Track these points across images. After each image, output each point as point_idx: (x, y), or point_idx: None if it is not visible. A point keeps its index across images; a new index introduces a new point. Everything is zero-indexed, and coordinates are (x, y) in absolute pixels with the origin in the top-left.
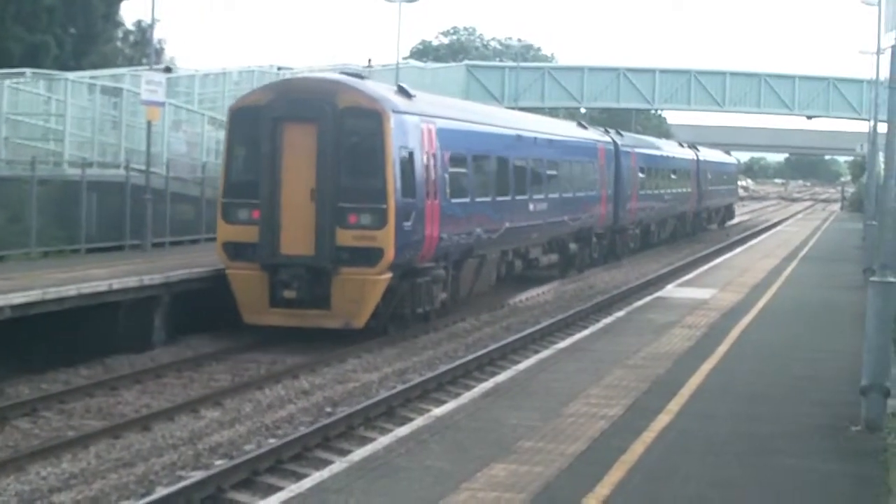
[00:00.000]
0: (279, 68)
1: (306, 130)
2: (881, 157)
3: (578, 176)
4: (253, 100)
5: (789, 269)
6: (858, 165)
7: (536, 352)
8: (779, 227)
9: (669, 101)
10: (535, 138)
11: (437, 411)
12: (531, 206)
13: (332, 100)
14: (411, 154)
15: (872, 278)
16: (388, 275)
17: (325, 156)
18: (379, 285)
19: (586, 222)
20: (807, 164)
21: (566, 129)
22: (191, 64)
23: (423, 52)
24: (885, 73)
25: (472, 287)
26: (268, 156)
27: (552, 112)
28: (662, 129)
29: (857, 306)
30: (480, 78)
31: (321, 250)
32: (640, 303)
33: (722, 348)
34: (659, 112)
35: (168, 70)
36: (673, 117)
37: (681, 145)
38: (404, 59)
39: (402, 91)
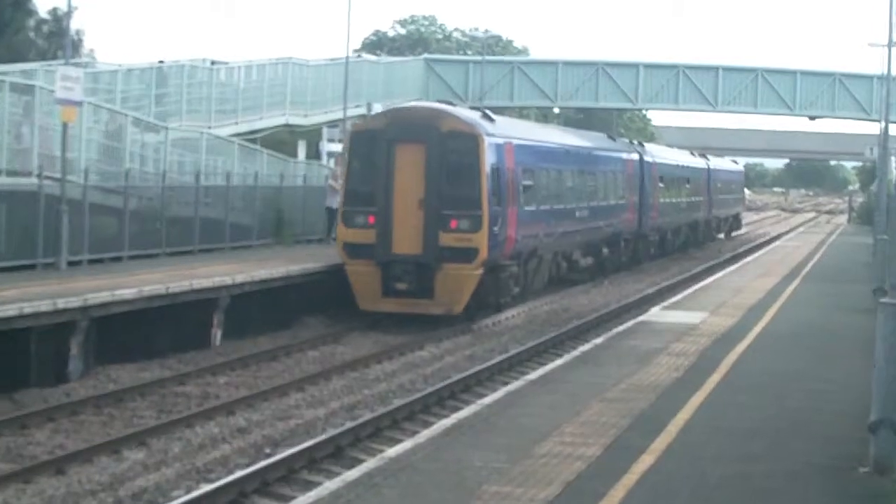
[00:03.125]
0: (213, 62)
1: (415, 150)
2: (893, 162)
3: (612, 186)
4: (370, 124)
5: (789, 290)
6: (868, 172)
7: (504, 384)
8: (778, 242)
9: (655, 100)
10: (579, 152)
11: (391, 452)
12: (577, 213)
13: (437, 125)
14: (498, 169)
15: (883, 300)
16: (481, 270)
17: (432, 171)
18: (474, 278)
19: (617, 228)
20: (810, 171)
21: (601, 143)
22: (113, 58)
23: (377, 44)
24: None
25: (532, 284)
26: (383, 171)
27: (522, 112)
28: (647, 132)
29: (866, 331)
30: (441, 73)
31: (427, 249)
32: (621, 328)
33: (713, 379)
34: (643, 112)
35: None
36: (659, 118)
37: (692, 154)
38: (356, 51)
39: (486, 116)
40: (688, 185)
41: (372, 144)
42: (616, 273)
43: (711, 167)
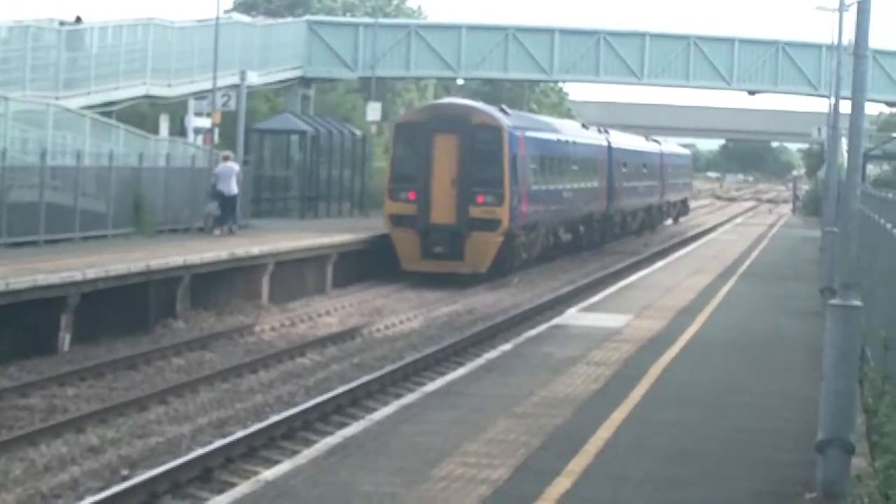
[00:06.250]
0: (61, 23)
1: (451, 139)
2: (844, 143)
3: (590, 171)
4: (412, 117)
5: (725, 289)
6: (815, 155)
7: (398, 396)
8: (712, 235)
9: (572, 72)
10: (567, 140)
11: (268, 474)
12: (565, 195)
13: (469, 119)
14: (515, 155)
15: (832, 301)
16: (502, 238)
17: (464, 156)
18: (496, 244)
19: (592, 209)
20: (748, 154)
21: (580, 131)
22: None
23: (252, 4)
24: (849, 36)
25: (532, 253)
26: (423, 156)
27: (420, 84)
28: (563, 108)
29: (813, 337)
30: (326, 38)
31: (459, 220)
32: (532, 332)
33: (638, 392)
34: (559, 85)
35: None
36: (577, 92)
37: (647, 139)
38: (226, 12)
39: (503, 111)
40: (644, 170)
41: (414, 133)
42: (589, 250)
43: (664, 152)
